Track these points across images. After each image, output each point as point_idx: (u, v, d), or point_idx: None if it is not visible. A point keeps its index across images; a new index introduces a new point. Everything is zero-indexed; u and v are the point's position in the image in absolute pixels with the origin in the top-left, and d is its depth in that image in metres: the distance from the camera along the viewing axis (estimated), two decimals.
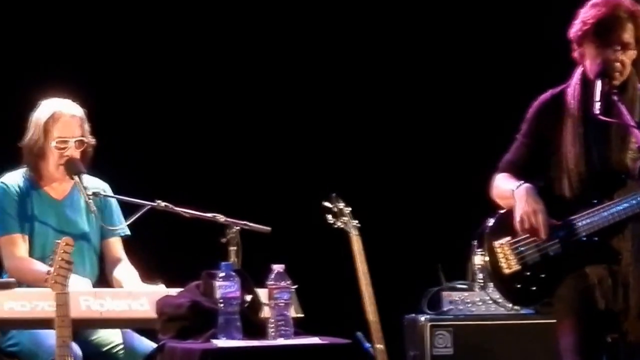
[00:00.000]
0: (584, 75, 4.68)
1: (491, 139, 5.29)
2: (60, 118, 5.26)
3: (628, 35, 4.64)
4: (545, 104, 4.82)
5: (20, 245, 5.28)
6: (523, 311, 5.73)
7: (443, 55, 7.18)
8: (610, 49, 4.61)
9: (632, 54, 4.66)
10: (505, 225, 4.78)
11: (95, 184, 5.35)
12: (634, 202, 4.56)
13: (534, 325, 5.71)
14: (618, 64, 4.64)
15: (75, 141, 5.24)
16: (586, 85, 4.65)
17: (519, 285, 4.78)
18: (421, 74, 7.14)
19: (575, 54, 4.75)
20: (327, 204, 5.65)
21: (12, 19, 6.56)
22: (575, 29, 4.73)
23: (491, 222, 4.86)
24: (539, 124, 4.80)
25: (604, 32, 4.66)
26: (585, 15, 4.71)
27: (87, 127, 5.31)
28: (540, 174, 4.84)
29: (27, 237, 5.31)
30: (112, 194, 5.40)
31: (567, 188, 4.69)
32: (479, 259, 5.63)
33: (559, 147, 4.73)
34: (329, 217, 5.64)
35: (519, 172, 4.82)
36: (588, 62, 4.67)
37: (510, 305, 5.59)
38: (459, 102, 7.09)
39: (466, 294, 6.00)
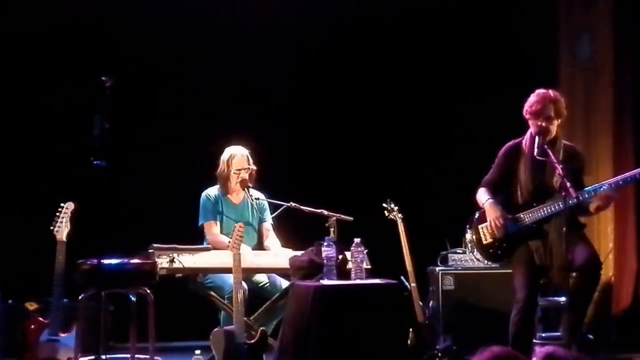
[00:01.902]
0: (531, 134, 5.79)
1: (480, 169, 6.12)
2: (235, 157, 6.47)
3: (552, 113, 5.79)
4: (510, 148, 5.97)
5: (215, 227, 6.46)
6: (493, 265, 6.40)
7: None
8: (542, 120, 5.78)
9: (556, 122, 5.80)
10: (483, 217, 5.97)
11: (256, 193, 6.56)
12: (556, 206, 5.66)
13: (499, 273, 6.62)
14: (547, 129, 5.78)
15: (244, 169, 6.47)
16: (532, 139, 5.76)
17: (491, 250, 5.96)
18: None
19: (528, 122, 5.85)
20: (384, 205, 6.69)
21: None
22: (524, 110, 5.86)
23: (476, 215, 6.06)
24: (506, 159, 5.96)
25: (539, 112, 5.80)
26: (529, 102, 5.86)
27: (250, 160, 6.48)
28: (505, 188, 5.92)
29: (219, 223, 6.47)
30: (265, 199, 6.56)
31: (520, 197, 5.87)
32: (469, 235, 6.37)
33: (516, 173, 5.87)
34: (386, 212, 6.67)
35: (492, 187, 5.96)
36: (532, 127, 5.82)
37: (486, 261, 6.24)
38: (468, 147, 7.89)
39: (462, 255, 7.00)
